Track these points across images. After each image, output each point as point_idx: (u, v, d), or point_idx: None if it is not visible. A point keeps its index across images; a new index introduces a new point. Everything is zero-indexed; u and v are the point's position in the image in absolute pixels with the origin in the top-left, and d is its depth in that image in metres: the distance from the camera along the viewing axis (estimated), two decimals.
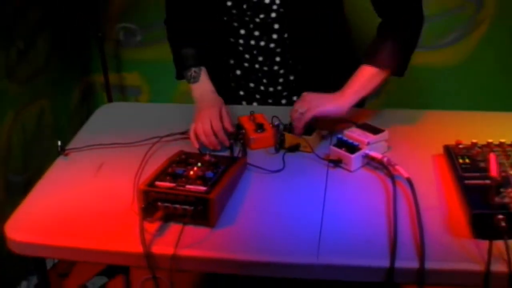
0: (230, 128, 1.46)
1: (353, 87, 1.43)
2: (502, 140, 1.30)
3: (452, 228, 1.10)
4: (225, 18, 1.59)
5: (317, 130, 1.44)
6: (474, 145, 1.31)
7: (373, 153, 1.32)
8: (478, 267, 0.99)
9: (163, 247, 1.08)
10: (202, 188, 1.15)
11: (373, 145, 1.35)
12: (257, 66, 1.65)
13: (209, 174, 1.21)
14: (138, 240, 1.08)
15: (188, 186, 1.16)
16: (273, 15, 1.54)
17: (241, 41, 1.62)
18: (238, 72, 1.69)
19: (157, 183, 1.18)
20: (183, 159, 1.29)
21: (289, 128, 1.44)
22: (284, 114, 1.49)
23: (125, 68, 2.73)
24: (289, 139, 1.42)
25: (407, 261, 1.01)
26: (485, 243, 1.01)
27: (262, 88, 1.69)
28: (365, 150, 1.33)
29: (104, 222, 1.17)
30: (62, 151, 1.44)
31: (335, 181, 1.29)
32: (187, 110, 1.60)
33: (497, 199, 1.06)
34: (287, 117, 1.47)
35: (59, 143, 1.44)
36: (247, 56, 1.65)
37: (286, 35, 1.57)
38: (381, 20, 1.50)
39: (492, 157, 1.17)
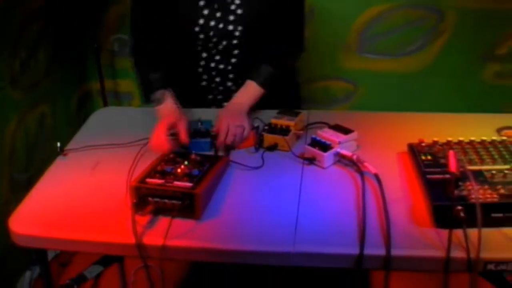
0: (184, 140, 1.42)
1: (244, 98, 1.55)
2: (461, 139, 1.31)
3: (415, 219, 1.11)
4: (189, 43, 1.58)
5: (293, 131, 1.44)
6: (435, 143, 1.32)
7: (344, 151, 1.33)
8: (439, 254, 1.00)
9: (153, 238, 1.08)
10: (189, 184, 1.15)
11: (344, 144, 1.35)
12: (213, 85, 1.66)
13: (195, 171, 1.20)
14: (131, 232, 1.08)
15: (176, 183, 1.15)
16: (235, 42, 1.56)
17: (202, 63, 1.62)
18: (198, 87, 1.68)
19: (148, 180, 1.17)
20: (172, 158, 1.28)
21: (268, 129, 1.44)
22: None
23: (119, 76, 2.71)
24: (268, 139, 1.42)
25: (375, 249, 1.02)
26: (445, 232, 1.02)
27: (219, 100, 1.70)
28: (337, 149, 1.33)
29: (100, 216, 1.16)
30: (61, 151, 1.43)
31: (309, 177, 1.29)
32: None
33: (456, 192, 1.07)
34: (266, 119, 1.49)
35: (58, 144, 1.42)
36: (205, 76, 1.65)
37: (242, 60, 1.59)
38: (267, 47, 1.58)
39: (451, 154, 1.17)
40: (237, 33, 1.54)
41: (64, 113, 2.50)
